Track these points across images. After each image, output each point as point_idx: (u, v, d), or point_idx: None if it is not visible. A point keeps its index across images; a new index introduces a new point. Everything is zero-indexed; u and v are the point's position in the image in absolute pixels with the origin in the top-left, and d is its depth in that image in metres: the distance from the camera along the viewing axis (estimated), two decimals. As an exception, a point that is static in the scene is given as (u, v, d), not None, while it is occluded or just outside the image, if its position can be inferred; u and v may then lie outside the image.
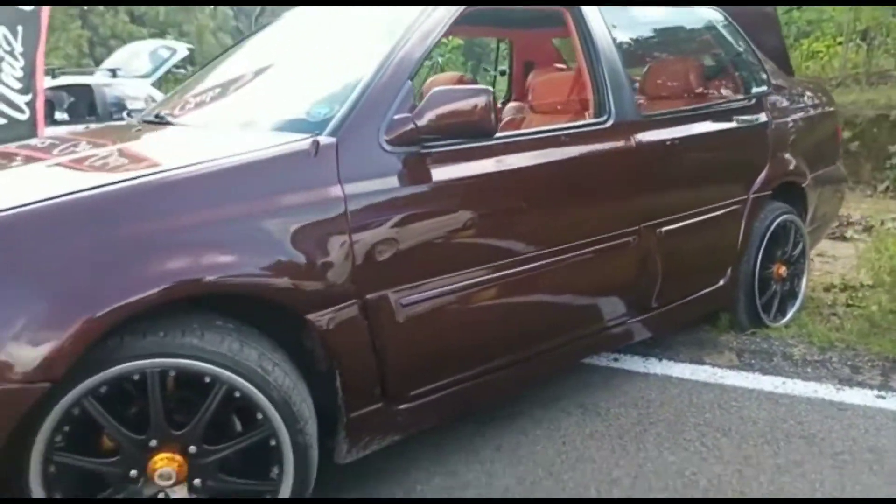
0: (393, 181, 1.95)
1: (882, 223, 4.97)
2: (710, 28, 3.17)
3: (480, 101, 1.94)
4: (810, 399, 2.54)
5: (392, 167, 1.95)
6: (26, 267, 1.51)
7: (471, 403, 2.27)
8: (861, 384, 2.64)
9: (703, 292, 2.89)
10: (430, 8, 2.22)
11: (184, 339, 1.63)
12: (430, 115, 1.95)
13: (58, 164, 2.07)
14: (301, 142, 1.88)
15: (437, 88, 2.00)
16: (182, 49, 7.21)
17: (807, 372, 2.76)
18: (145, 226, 1.63)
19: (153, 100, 7.80)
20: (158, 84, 8.27)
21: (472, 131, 1.99)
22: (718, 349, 2.96)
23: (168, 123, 2.39)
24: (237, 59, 2.79)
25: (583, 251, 2.34)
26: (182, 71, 8.43)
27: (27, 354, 1.45)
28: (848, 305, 3.44)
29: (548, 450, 2.23)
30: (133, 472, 1.62)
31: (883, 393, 2.56)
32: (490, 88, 2.00)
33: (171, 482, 1.63)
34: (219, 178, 1.76)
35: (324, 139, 1.88)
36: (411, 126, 1.95)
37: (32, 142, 2.81)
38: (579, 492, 2.03)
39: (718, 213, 2.86)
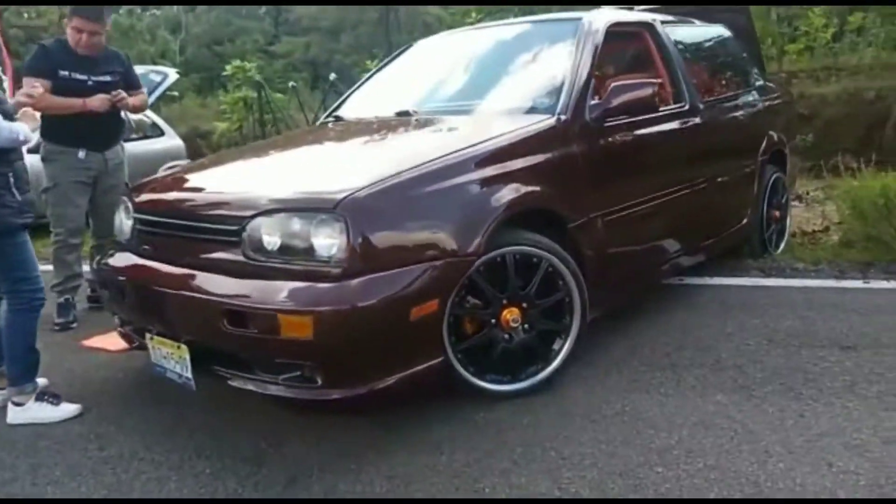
0: (599, 143, 3.05)
1: (808, 192, 6.44)
2: (723, 39, 4.47)
3: (648, 89, 3.07)
4: (823, 287, 3.82)
5: (597, 134, 3.05)
6: (454, 202, 2.52)
7: (641, 288, 3.40)
8: (851, 278, 3.96)
9: (736, 227, 4.14)
10: (587, 23, 3.35)
11: (525, 235, 2.67)
12: (616, 100, 3.06)
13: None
14: (549, 119, 2.95)
15: (616, 83, 3.12)
16: (172, 73, 7.91)
17: (812, 275, 4.05)
18: (489, 175, 2.66)
19: (155, 124, 8.43)
20: (156, 108, 8.87)
21: (644, 109, 3.12)
22: (748, 269, 4.20)
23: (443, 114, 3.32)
24: (433, 68, 3.83)
25: (687, 190, 3.54)
26: (175, 93, 9.06)
27: (468, 242, 2.46)
28: (814, 242, 4.81)
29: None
30: (493, 319, 2.63)
31: (868, 281, 3.88)
32: (655, 80, 3.16)
33: (516, 324, 2.66)
34: (517, 143, 2.80)
35: (561, 118, 2.96)
36: (604, 108, 3.06)
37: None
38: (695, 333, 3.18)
39: (745, 171, 4.13)
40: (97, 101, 3.79)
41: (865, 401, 2.55)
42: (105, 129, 3.96)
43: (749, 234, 4.28)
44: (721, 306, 3.61)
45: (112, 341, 3.45)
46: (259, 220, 2.41)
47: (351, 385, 2.33)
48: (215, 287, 2.44)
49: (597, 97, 3.11)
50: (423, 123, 3.16)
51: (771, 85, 4.82)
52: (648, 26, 3.74)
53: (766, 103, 4.51)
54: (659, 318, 3.45)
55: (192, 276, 2.52)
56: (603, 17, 3.48)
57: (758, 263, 4.29)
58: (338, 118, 3.73)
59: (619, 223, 3.11)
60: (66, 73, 3.76)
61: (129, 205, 3.00)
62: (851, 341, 3.06)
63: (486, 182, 2.63)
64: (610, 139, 3.12)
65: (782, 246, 4.56)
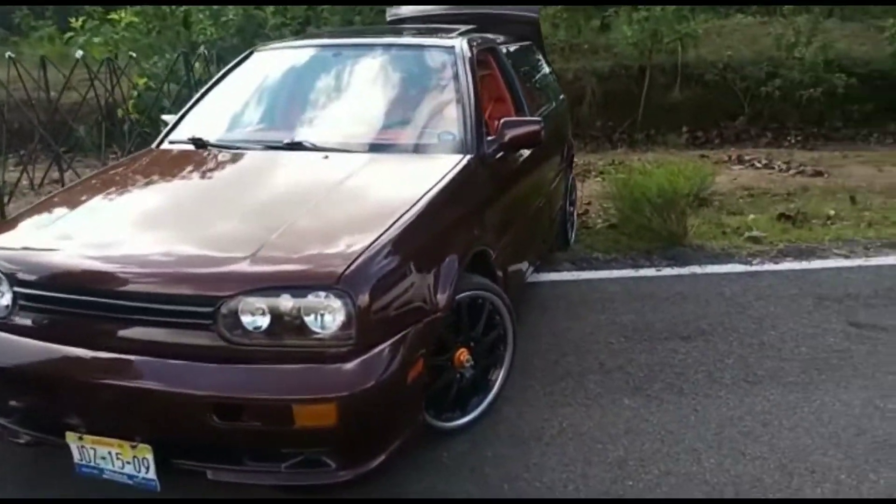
0: (495, 175, 3.26)
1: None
2: (533, 53, 4.89)
3: (536, 126, 3.34)
4: (629, 277, 4.54)
5: (493, 167, 3.25)
6: (425, 258, 2.56)
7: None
8: (643, 266, 4.73)
9: (556, 228, 4.67)
10: (459, 49, 3.49)
11: (473, 280, 2.81)
12: (508, 136, 3.29)
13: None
14: (467, 157, 3.06)
15: (506, 119, 3.33)
16: None
17: (613, 265, 4.76)
18: (446, 225, 2.75)
19: None
20: None
21: (529, 143, 3.39)
22: (560, 263, 4.78)
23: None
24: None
25: (540, 202, 3.94)
26: None
27: (441, 297, 2.54)
28: (585, 226, 5.59)
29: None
30: (448, 363, 2.76)
31: (659, 269, 4.68)
32: (537, 119, 3.43)
33: (468, 363, 2.81)
34: (455, 186, 2.88)
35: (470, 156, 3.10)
36: (498, 143, 3.27)
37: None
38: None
39: (559, 176, 4.66)
40: None
41: (728, 388, 3.20)
42: None
43: (557, 231, 4.86)
44: (565, 303, 4.11)
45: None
46: (240, 298, 2.23)
47: (362, 464, 2.31)
48: (193, 377, 2.22)
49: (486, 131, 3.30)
50: (339, 164, 3.05)
51: (559, 88, 5.41)
52: (492, 49, 3.99)
53: (562, 109, 5.08)
54: (524, 323, 3.84)
55: (158, 366, 2.25)
56: (466, 43, 3.63)
57: (565, 256, 4.90)
58: (200, 143, 3.39)
59: (510, 244, 3.38)
60: None
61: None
62: (685, 332, 3.74)
63: (445, 233, 2.72)
64: (499, 170, 3.35)
65: (573, 236, 5.23)
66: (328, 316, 2.22)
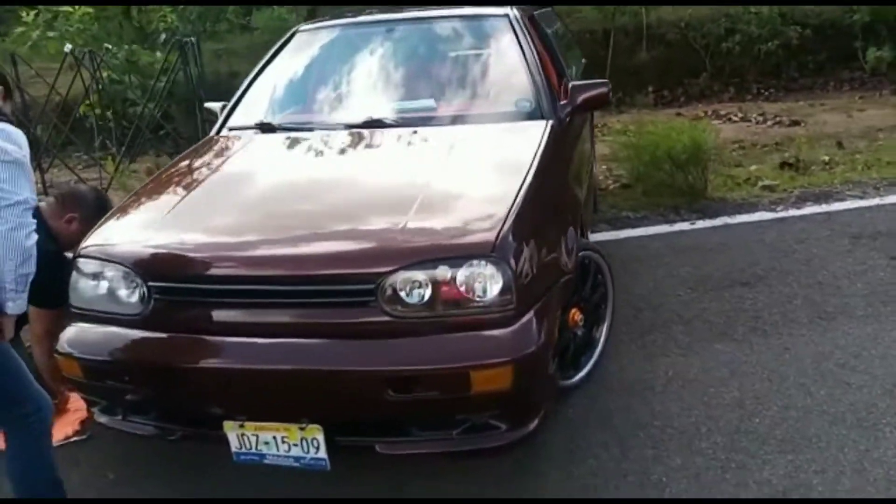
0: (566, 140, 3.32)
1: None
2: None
3: (604, 88, 3.39)
4: (668, 233, 4.68)
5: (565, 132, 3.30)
6: (552, 220, 2.60)
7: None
8: (675, 221, 4.88)
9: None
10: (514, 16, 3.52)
11: (580, 240, 2.88)
12: (579, 100, 3.34)
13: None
14: (549, 122, 3.10)
15: (574, 84, 3.38)
16: None
17: (647, 223, 4.89)
18: (558, 186, 2.80)
19: None
20: None
21: (602, 105, 3.44)
22: (596, 224, 4.89)
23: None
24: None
25: (586, 166, 4.00)
26: None
27: (570, 256, 2.60)
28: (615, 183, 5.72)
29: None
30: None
31: (693, 223, 4.83)
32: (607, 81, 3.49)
33: (581, 322, 2.89)
34: (551, 150, 2.89)
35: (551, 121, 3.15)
36: (571, 107, 3.32)
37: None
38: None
39: (587, 137, 4.74)
40: None
41: (807, 327, 3.36)
42: None
43: (592, 192, 4.95)
44: (618, 262, 4.17)
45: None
46: (399, 273, 2.24)
47: (527, 423, 2.35)
48: (364, 354, 2.22)
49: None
50: (432, 137, 3.05)
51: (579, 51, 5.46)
52: (531, 15, 4.01)
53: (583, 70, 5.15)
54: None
55: (324, 346, 2.25)
56: (518, 10, 3.66)
57: (597, 217, 5.00)
58: (268, 127, 3.33)
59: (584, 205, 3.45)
60: None
61: (130, 272, 2.43)
62: (743, 279, 3.90)
63: (560, 196, 2.78)
64: (569, 133, 3.39)
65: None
66: (487, 283, 2.25)
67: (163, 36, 8.92)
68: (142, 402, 2.47)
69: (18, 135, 2.22)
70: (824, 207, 4.87)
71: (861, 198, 4.99)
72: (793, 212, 4.85)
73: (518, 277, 2.28)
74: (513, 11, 3.61)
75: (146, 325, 2.41)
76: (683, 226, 4.79)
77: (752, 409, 2.79)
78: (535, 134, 3.00)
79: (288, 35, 3.85)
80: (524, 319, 2.28)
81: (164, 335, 2.39)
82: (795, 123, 7.59)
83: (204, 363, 2.32)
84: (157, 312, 2.40)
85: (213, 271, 2.37)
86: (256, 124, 3.36)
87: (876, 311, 3.44)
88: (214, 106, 3.71)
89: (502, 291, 2.25)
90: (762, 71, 9.79)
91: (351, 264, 2.30)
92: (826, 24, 9.88)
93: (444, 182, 2.67)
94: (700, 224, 4.79)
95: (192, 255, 2.43)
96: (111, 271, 2.46)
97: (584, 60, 5.10)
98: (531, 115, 3.18)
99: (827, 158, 6.01)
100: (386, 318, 2.24)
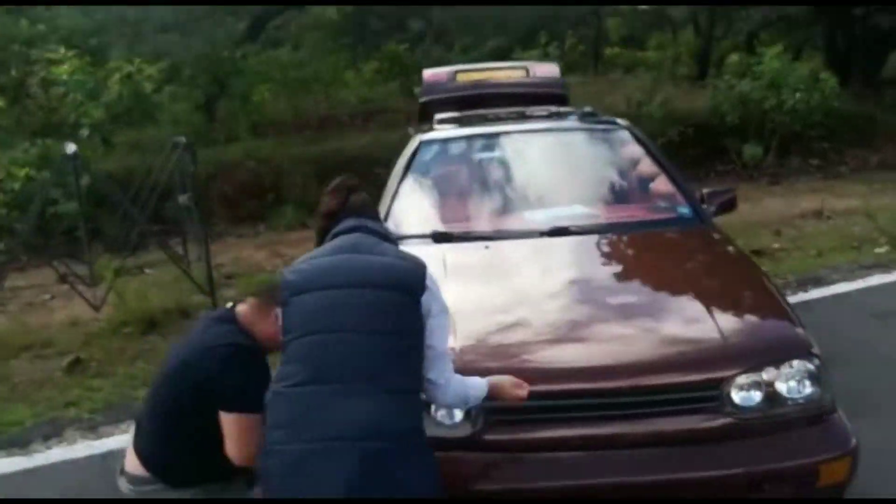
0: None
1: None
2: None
3: (732, 194, 3.75)
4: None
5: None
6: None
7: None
8: None
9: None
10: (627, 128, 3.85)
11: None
12: (717, 202, 3.67)
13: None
14: (708, 227, 3.41)
15: (708, 191, 3.71)
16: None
17: None
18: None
19: None
20: None
21: (732, 208, 3.80)
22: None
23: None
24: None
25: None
26: None
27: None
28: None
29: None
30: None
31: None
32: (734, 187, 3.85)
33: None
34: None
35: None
36: (711, 213, 3.65)
37: None
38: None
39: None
40: None
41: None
42: None
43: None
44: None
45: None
46: (736, 377, 2.38)
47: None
48: (722, 458, 2.33)
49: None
50: (627, 243, 3.23)
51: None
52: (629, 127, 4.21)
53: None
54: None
55: (680, 454, 2.33)
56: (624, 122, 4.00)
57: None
58: (443, 236, 3.31)
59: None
60: None
61: None
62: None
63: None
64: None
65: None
66: (806, 380, 2.46)
67: (82, 130, 8.32)
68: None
69: None
70: (823, 292, 5.54)
71: (849, 281, 5.70)
72: (800, 296, 5.47)
73: (824, 372, 2.50)
74: (624, 122, 3.94)
75: (476, 447, 2.35)
76: None
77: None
78: (712, 236, 3.29)
79: (414, 146, 3.84)
80: (835, 412, 2.50)
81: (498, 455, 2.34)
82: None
83: (562, 482, 2.29)
84: (488, 432, 2.35)
85: (549, 387, 2.37)
86: (432, 233, 3.33)
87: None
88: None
89: (818, 385, 2.45)
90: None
91: (695, 372, 2.40)
92: (699, 124, 11.30)
93: (696, 285, 2.83)
94: None
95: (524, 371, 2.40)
96: None
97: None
98: (692, 221, 3.46)
99: (777, 246, 6.82)
100: (726, 421, 2.36)
